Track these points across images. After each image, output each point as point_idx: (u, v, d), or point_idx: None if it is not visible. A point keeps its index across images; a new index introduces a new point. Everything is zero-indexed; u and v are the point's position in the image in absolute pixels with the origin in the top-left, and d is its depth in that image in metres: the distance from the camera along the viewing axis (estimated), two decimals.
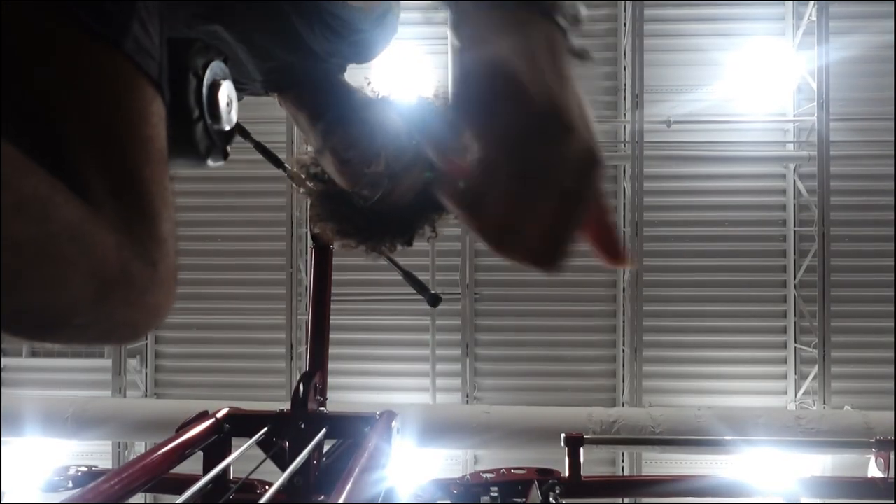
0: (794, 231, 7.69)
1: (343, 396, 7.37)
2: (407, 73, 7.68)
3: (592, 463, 7.32)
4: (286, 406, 2.01)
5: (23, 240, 0.48)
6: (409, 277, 1.84)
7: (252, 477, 1.85)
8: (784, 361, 7.77)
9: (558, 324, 7.84)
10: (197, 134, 1.07)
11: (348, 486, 1.39)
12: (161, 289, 0.62)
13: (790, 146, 7.72)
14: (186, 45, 1.05)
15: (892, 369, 6.98)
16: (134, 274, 0.58)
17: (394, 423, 1.98)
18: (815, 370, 7.15)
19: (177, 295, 0.65)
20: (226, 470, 1.78)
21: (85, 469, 2.57)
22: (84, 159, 0.59)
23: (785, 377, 7.75)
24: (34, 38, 0.58)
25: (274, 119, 7.46)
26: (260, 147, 1.64)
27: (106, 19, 0.61)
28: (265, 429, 1.89)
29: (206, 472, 1.69)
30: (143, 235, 0.61)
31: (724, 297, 7.72)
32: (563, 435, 2.68)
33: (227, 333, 8.02)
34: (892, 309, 7.15)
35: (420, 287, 1.85)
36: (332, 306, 2.38)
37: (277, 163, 1.84)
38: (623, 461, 7.57)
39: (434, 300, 1.86)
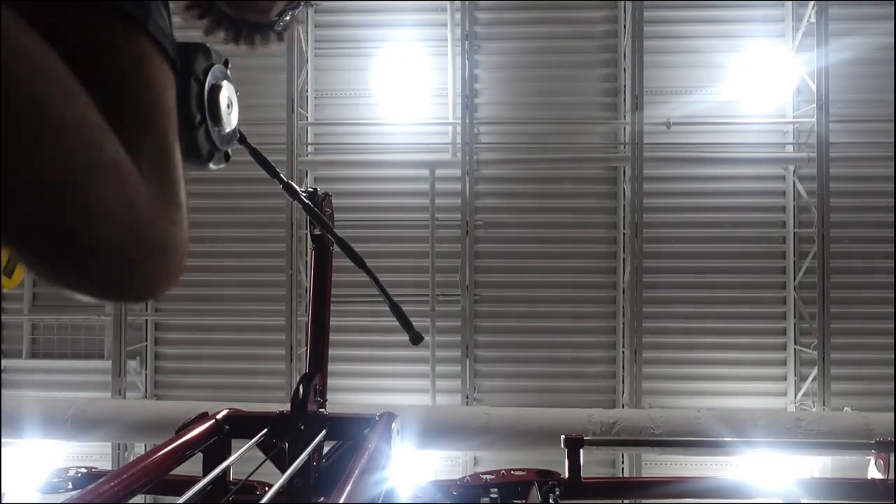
0: (794, 233, 7.68)
1: (343, 398, 7.36)
2: (406, 73, 7.68)
3: (592, 464, 7.32)
4: (286, 407, 2.01)
5: (77, 159, 0.51)
6: (396, 310, 1.85)
7: (252, 478, 1.85)
8: (784, 363, 7.76)
9: (558, 325, 7.84)
10: (199, 139, 1.08)
11: (348, 488, 1.39)
12: (180, 249, 0.65)
13: (790, 148, 7.72)
14: (188, 51, 1.06)
15: (891, 371, 6.98)
16: (160, 228, 0.62)
17: (394, 425, 1.98)
18: (814, 371, 7.15)
19: (187, 264, 0.68)
20: (225, 471, 1.79)
21: (84, 470, 2.57)
22: (120, 126, 0.62)
23: (785, 379, 7.75)
24: (71, 20, 0.62)
25: (273, 121, 7.48)
26: (256, 155, 1.66)
27: (134, 4, 0.66)
28: (265, 430, 1.89)
29: (205, 473, 1.69)
30: (168, 197, 0.65)
31: (723, 298, 7.71)
32: (563, 436, 2.69)
33: (227, 335, 8.01)
34: (892, 311, 7.15)
35: (405, 322, 1.86)
36: (333, 307, 2.38)
37: (273, 173, 1.88)
38: (623, 462, 7.56)
39: (416, 339, 1.87)
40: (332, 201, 2.40)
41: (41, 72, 0.50)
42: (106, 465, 7.41)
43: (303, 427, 1.92)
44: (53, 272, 0.57)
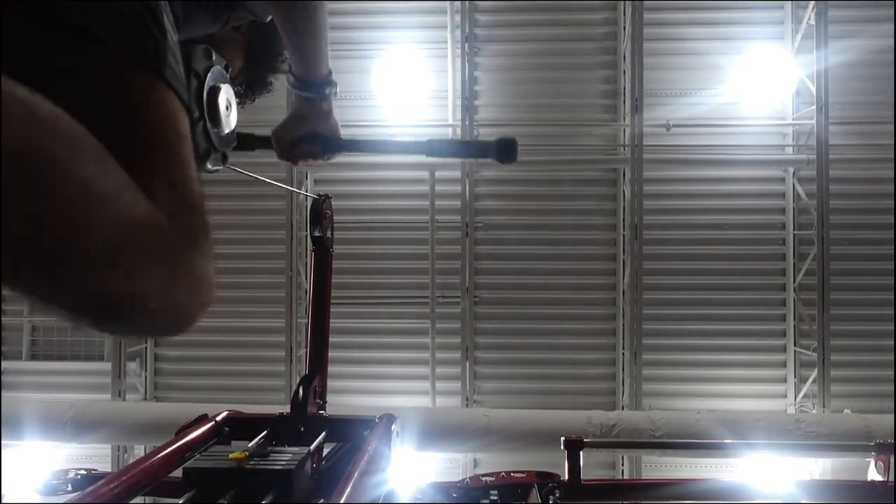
0: (794, 234, 7.68)
1: (343, 399, 7.36)
2: (406, 75, 7.69)
3: (592, 466, 7.31)
4: (286, 409, 2.01)
5: (114, 228, 0.54)
6: (469, 144, 1.91)
7: None
8: (784, 365, 7.76)
9: (558, 327, 7.83)
10: (197, 135, 1.08)
11: (348, 490, 1.39)
12: (209, 282, 0.68)
13: (789, 150, 7.73)
14: (190, 48, 1.06)
15: (891, 372, 6.97)
16: (196, 262, 0.65)
17: (393, 427, 1.98)
18: (814, 373, 7.15)
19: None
20: None
21: (84, 472, 2.57)
22: (144, 164, 0.65)
23: (785, 380, 7.74)
24: (92, 71, 0.68)
25: (273, 123, 7.47)
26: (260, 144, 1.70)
27: (150, 55, 0.72)
28: (265, 432, 1.89)
29: None
30: (194, 229, 0.67)
31: (723, 300, 7.71)
32: (562, 438, 2.69)
33: (227, 336, 8.00)
34: (892, 312, 7.14)
35: (484, 147, 1.63)
36: (332, 309, 2.38)
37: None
38: (623, 464, 7.55)
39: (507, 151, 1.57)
40: (332, 203, 2.40)
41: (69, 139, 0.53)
42: (105, 466, 7.40)
43: (302, 429, 1.92)
44: (115, 326, 0.60)
